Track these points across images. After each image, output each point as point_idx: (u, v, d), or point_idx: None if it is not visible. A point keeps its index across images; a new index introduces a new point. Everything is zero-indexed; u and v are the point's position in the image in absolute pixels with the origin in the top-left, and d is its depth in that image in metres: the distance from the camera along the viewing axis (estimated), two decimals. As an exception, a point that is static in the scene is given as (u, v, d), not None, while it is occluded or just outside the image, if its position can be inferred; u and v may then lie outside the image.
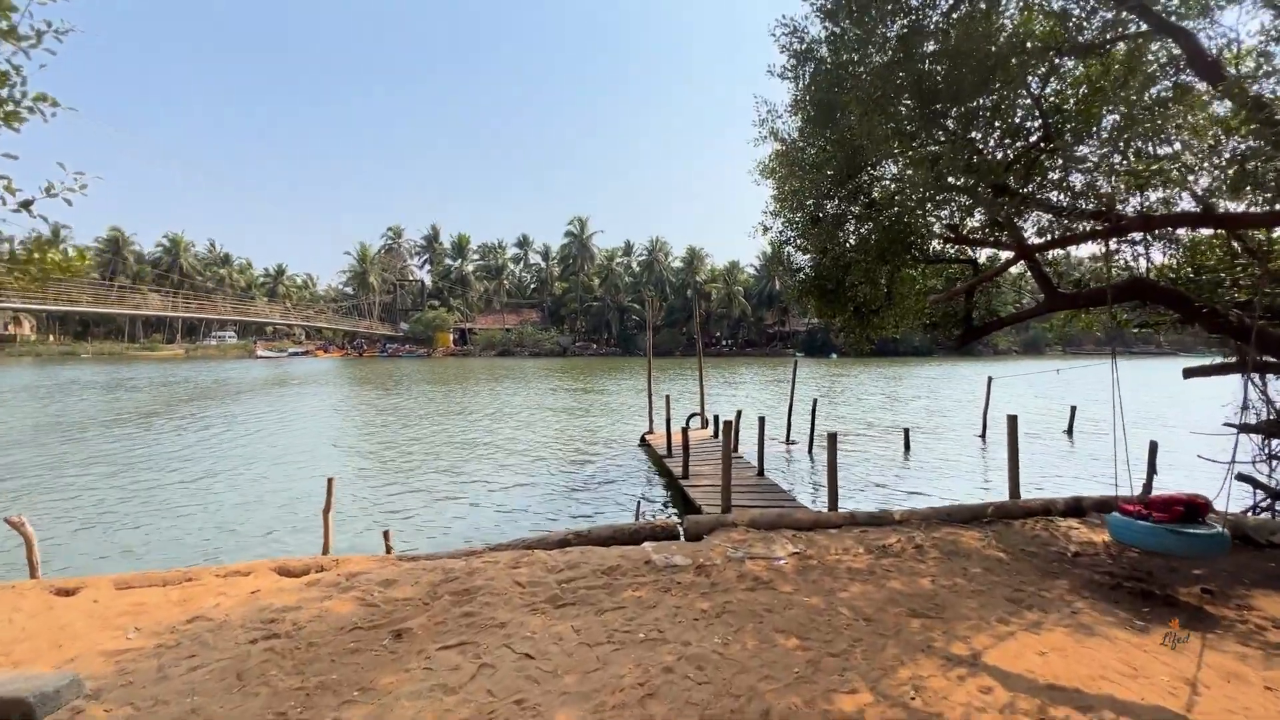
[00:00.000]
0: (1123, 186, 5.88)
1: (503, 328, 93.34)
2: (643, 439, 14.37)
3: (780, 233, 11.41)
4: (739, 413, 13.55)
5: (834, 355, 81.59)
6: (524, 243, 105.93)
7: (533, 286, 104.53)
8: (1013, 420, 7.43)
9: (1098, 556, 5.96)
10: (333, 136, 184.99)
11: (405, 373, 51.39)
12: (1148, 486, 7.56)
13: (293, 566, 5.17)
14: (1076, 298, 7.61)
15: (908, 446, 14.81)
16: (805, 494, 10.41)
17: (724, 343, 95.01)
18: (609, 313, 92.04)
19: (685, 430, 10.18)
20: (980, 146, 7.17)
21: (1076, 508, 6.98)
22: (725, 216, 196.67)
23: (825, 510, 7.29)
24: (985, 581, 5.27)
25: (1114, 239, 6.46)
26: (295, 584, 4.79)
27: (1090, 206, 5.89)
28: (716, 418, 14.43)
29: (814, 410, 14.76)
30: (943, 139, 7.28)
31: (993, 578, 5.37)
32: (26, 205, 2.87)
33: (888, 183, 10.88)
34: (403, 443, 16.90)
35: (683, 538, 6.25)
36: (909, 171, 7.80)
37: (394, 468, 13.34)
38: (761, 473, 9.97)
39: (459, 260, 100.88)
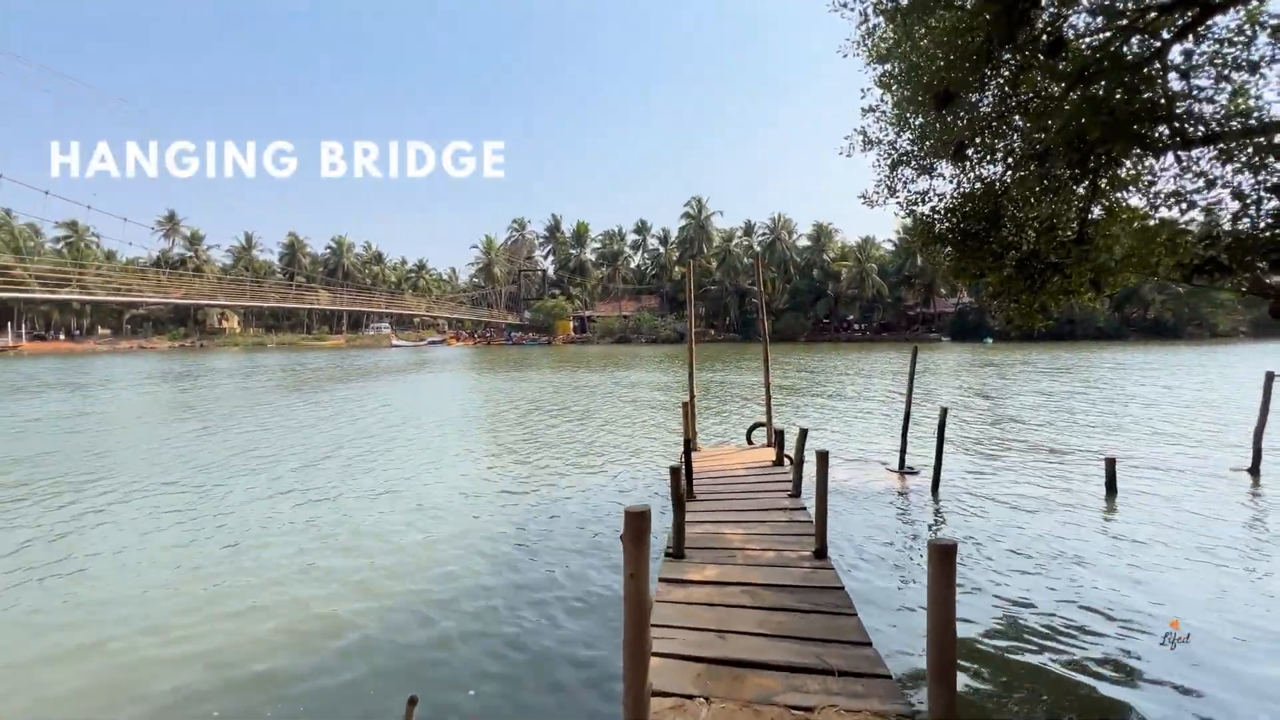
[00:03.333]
0: None
1: (620, 314, 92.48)
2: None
3: (892, 141, 6.79)
4: (802, 433, 8.15)
5: (989, 339, 69.42)
6: (642, 228, 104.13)
7: (651, 272, 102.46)
8: None
9: None
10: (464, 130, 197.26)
11: (509, 359, 51.44)
12: None
13: None
14: None
15: (1112, 489, 9.17)
16: (903, 615, 5.49)
17: (855, 326, 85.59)
18: (727, 296, 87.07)
19: (679, 471, 6.03)
20: None
21: None
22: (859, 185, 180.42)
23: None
24: None
25: None
26: None
27: None
28: (781, 434, 9.72)
29: (941, 427, 9.45)
30: None
31: None
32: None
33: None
34: (358, 447, 14.62)
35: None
36: None
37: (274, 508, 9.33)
38: (821, 552, 5.62)
39: (579, 249, 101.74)
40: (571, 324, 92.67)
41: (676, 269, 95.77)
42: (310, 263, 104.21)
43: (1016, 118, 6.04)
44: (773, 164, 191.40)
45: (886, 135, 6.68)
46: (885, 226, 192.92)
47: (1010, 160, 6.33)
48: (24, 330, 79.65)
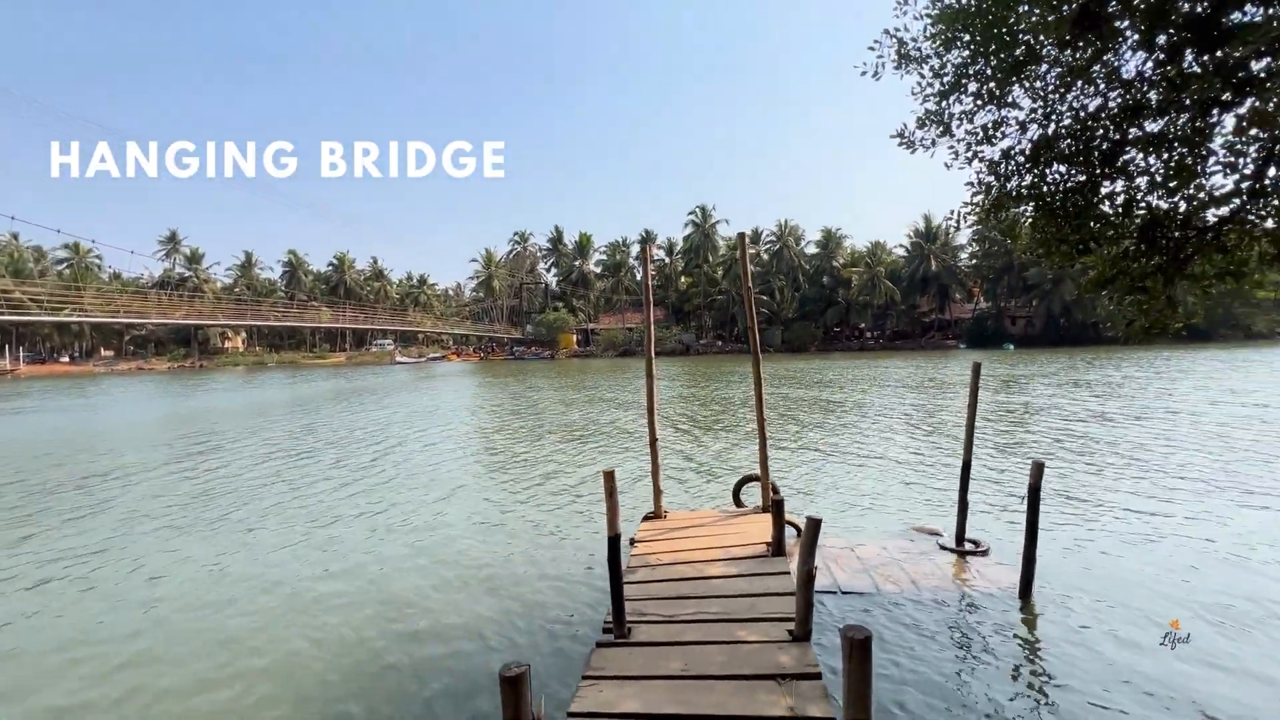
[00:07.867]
0: None
1: (624, 327, 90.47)
2: (630, 542, 6.69)
3: (940, 55, 4.44)
4: (812, 526, 4.12)
5: (1009, 345, 66.73)
6: (646, 239, 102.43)
7: (657, 284, 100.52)
8: None
9: None
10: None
11: (507, 373, 49.38)
12: None
13: None
14: None
15: None
16: None
17: (869, 335, 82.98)
18: (734, 306, 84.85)
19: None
20: None
21: None
22: (867, 190, 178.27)
23: None
24: None
25: None
26: None
27: None
28: (780, 504, 6.16)
29: (1035, 492, 5.85)
30: None
31: None
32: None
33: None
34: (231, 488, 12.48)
35: None
36: None
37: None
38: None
39: (581, 260, 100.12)
40: (575, 337, 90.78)
41: (682, 279, 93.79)
42: (312, 280, 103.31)
43: None
44: (784, 174, 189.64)
45: (933, 47, 4.44)
46: (895, 232, 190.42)
47: (1115, 80, 4.12)
48: (22, 353, 78.99)
